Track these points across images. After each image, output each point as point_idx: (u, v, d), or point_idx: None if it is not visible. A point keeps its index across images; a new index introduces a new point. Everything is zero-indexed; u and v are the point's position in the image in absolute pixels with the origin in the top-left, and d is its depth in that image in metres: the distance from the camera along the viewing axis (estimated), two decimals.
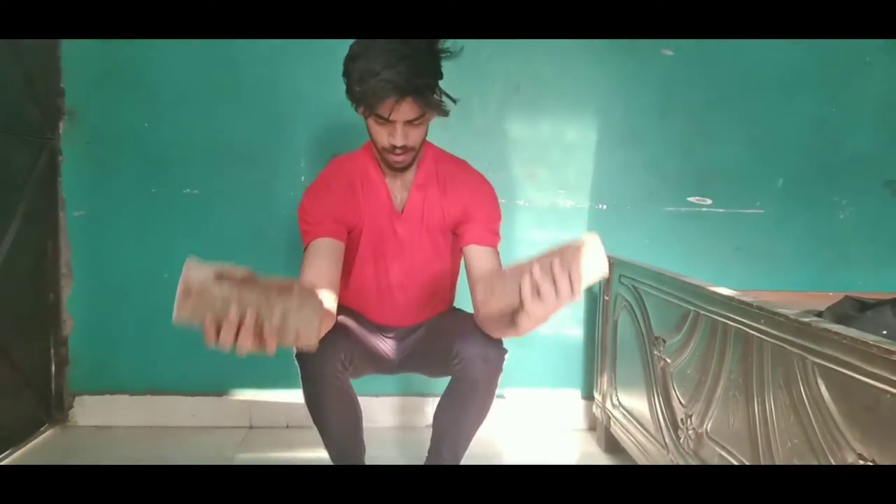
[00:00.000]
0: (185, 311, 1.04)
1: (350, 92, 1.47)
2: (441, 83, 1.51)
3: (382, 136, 1.50)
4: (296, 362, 1.51)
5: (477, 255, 1.59)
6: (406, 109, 1.44)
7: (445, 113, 1.53)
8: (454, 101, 1.54)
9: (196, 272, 1.05)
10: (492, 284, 1.22)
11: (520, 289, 1.15)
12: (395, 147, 1.49)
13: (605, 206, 2.42)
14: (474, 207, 1.63)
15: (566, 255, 1.14)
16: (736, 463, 1.37)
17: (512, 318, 1.27)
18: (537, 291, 1.14)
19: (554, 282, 1.13)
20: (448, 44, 1.49)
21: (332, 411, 1.58)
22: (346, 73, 1.47)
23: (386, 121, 1.46)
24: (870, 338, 0.98)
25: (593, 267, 1.14)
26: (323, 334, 1.17)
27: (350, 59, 1.45)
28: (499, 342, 1.53)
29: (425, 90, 1.43)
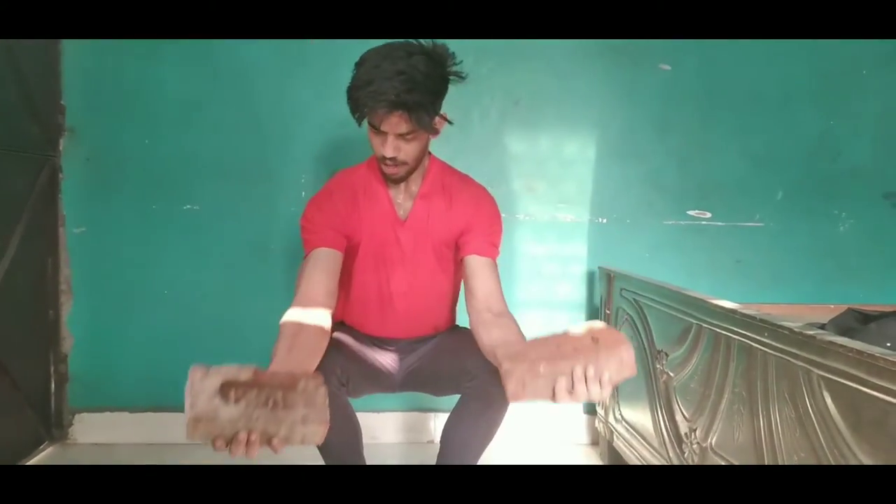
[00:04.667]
0: (196, 436, 1.08)
1: (349, 102, 1.48)
2: (443, 101, 1.51)
3: (377, 145, 1.51)
4: None
5: (476, 265, 1.59)
6: (395, 122, 1.44)
7: (435, 132, 1.53)
8: (450, 122, 1.55)
9: (201, 394, 1.08)
10: (522, 380, 1.14)
11: (553, 387, 1.14)
12: (385, 158, 1.50)
13: (604, 220, 2.43)
14: (476, 219, 1.64)
15: (601, 358, 1.13)
16: None
17: None
18: (570, 390, 1.14)
19: (586, 384, 1.14)
20: (457, 67, 1.48)
21: (329, 429, 1.57)
22: (349, 91, 1.48)
23: (378, 131, 1.47)
24: (876, 350, 0.98)
25: (625, 369, 1.15)
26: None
27: (356, 65, 1.46)
28: None
29: (416, 107, 1.41)
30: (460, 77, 1.50)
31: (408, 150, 1.50)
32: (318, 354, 1.42)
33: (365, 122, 1.48)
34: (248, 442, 1.09)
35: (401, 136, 1.47)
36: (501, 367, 1.16)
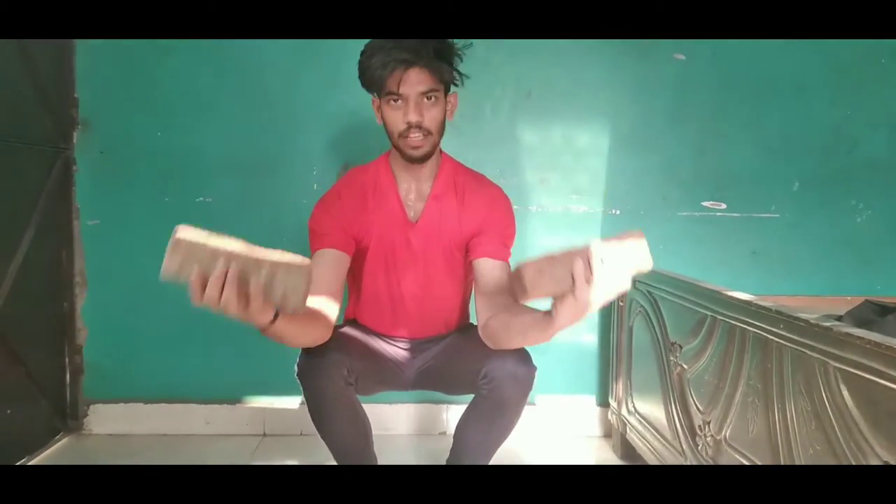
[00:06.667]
0: (174, 263, 1.04)
1: (362, 77, 1.47)
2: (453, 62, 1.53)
3: (397, 119, 1.47)
4: (297, 381, 1.49)
5: (488, 268, 1.55)
6: (415, 79, 1.43)
7: (458, 82, 1.54)
8: (466, 76, 1.55)
9: (187, 231, 1.06)
10: (539, 268, 1.20)
11: (573, 273, 1.15)
12: (409, 127, 1.46)
13: (618, 212, 2.41)
14: (490, 220, 1.61)
15: (611, 243, 1.17)
16: None
17: (543, 316, 1.27)
18: (589, 276, 1.14)
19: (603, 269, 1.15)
20: (460, 43, 1.51)
21: (338, 428, 1.56)
22: (360, 66, 1.48)
23: (398, 97, 1.45)
24: (894, 342, 0.96)
25: (640, 258, 1.18)
26: (307, 301, 1.12)
27: (361, 53, 1.47)
28: (528, 360, 1.51)
29: (434, 59, 1.42)
30: (463, 55, 1.52)
31: (431, 116, 1.48)
32: (319, 330, 1.41)
33: (375, 118, 1.45)
34: (224, 282, 1.04)
35: (423, 95, 1.45)
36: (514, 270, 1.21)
